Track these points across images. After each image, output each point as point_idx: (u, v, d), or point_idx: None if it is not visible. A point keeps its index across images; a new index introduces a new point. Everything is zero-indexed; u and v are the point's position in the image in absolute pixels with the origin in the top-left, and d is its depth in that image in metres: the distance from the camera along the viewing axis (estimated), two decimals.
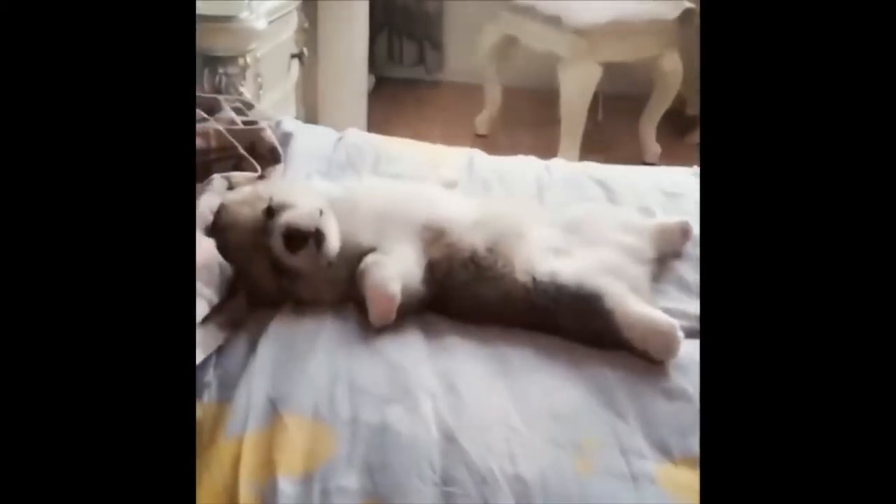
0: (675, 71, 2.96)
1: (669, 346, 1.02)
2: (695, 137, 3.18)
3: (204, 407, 0.93)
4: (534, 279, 1.09)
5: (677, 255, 1.24)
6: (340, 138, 1.54)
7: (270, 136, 1.35)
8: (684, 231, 1.26)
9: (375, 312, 1.05)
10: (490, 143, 3.09)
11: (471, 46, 3.26)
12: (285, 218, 1.07)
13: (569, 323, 1.06)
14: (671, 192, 1.42)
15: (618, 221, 1.25)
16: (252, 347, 1.02)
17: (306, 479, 0.85)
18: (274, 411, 0.92)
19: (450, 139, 1.67)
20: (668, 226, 1.27)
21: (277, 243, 1.06)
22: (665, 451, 0.91)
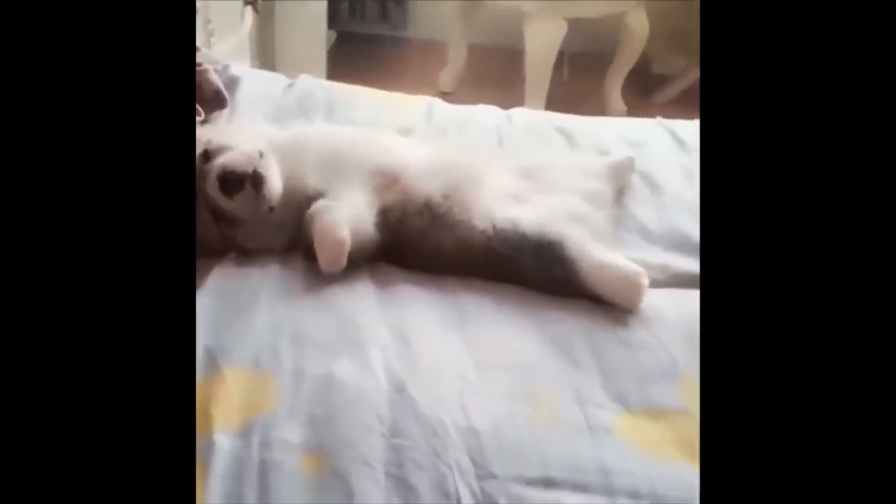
0: (641, 28, 2.91)
1: (635, 294, 0.99)
2: (660, 97, 3.14)
3: None
4: (494, 226, 1.04)
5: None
6: (292, 84, 1.47)
7: (215, 78, 1.28)
8: (631, 166, 1.25)
9: (324, 258, 0.99)
10: (454, 100, 2.99)
11: (435, 2, 3.17)
12: (221, 161, 1.01)
13: (531, 271, 1.02)
14: (633, 140, 1.37)
15: (575, 166, 1.21)
16: None
17: (244, 432, 0.80)
18: (212, 364, 0.87)
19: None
20: (618, 163, 1.25)
21: (213, 188, 1.00)
22: (623, 401, 0.87)
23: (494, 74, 3.29)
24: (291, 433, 0.80)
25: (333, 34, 3.22)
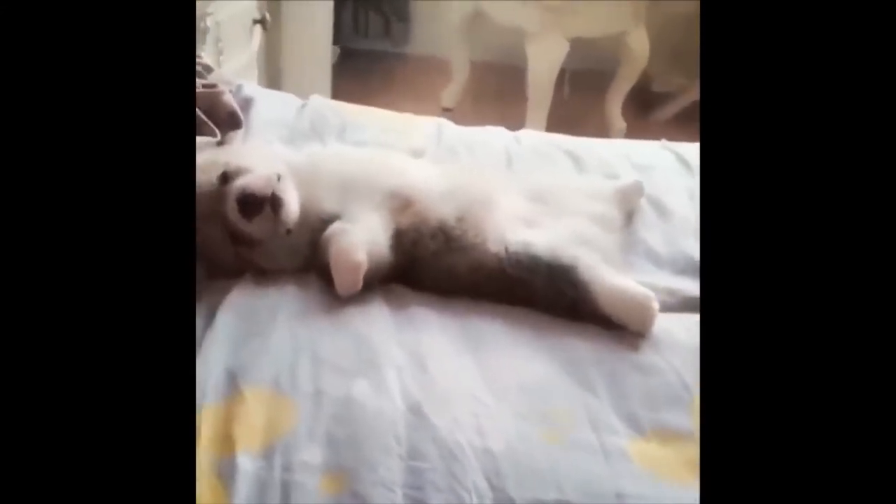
0: (641, 47, 2.95)
1: (646, 318, 1.01)
2: (660, 115, 3.17)
3: None
4: (506, 249, 1.06)
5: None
6: (304, 105, 1.49)
7: (230, 100, 1.29)
8: (640, 190, 1.28)
9: (341, 281, 1.01)
10: (456, 116, 3.02)
11: (438, 19, 3.20)
12: (240, 183, 1.02)
13: (543, 294, 1.04)
14: (641, 164, 1.40)
15: (584, 189, 1.23)
16: (210, 319, 0.97)
17: (267, 454, 0.81)
18: (233, 384, 0.89)
19: (416, 112, 1.62)
20: (627, 187, 1.27)
21: (232, 210, 1.02)
22: (636, 426, 0.89)
23: (496, 91, 3.32)
24: (312, 454, 0.81)
25: (337, 50, 3.25)
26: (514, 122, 2.64)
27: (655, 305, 1.01)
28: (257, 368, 0.90)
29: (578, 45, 2.83)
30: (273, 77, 2.43)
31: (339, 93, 2.87)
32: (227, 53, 1.91)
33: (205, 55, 1.72)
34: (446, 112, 3.14)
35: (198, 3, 1.68)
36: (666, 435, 0.88)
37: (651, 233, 1.22)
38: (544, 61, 2.82)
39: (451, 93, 3.22)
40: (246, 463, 0.80)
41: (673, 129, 2.71)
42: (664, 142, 1.52)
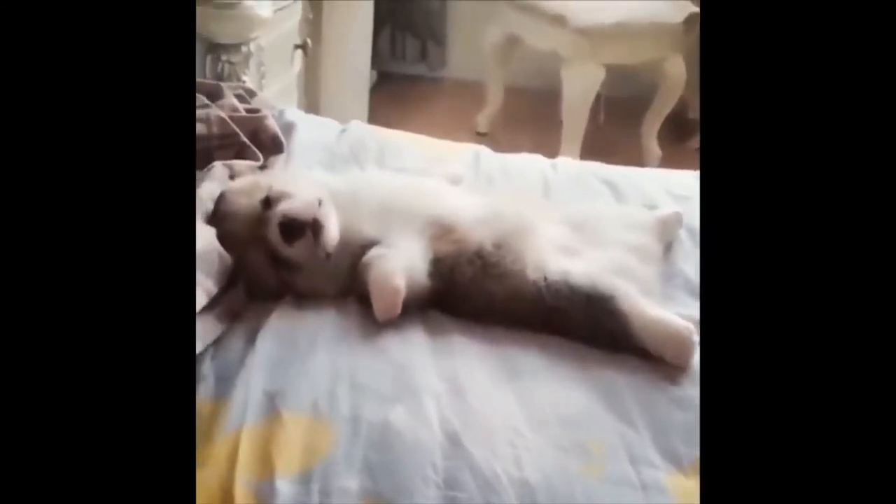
0: (678, 75, 2.94)
1: (685, 351, 1.00)
2: (697, 142, 3.16)
3: (200, 402, 0.90)
4: (545, 278, 1.06)
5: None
6: (344, 130, 1.51)
7: (273, 124, 1.32)
8: (679, 221, 1.28)
9: (379, 306, 1.02)
10: (490, 141, 3.04)
11: (474, 44, 3.23)
12: (282, 208, 1.04)
13: (582, 324, 1.03)
14: (678, 194, 1.39)
15: (623, 219, 1.23)
16: (251, 341, 0.99)
17: (304, 478, 0.82)
18: (272, 407, 0.89)
19: (450, 136, 1.64)
20: (666, 218, 1.27)
21: (274, 234, 1.03)
22: (675, 461, 0.88)
23: (531, 117, 3.33)
24: (349, 480, 0.82)
25: (375, 74, 3.29)
26: (549, 147, 2.64)
27: (695, 338, 1.00)
28: (296, 392, 0.91)
29: (614, 72, 2.84)
30: (312, 99, 2.47)
31: (375, 115, 2.91)
32: (268, 77, 1.94)
33: (248, 79, 1.76)
34: (481, 136, 3.15)
35: (242, 30, 1.72)
36: None
37: (690, 264, 1.21)
38: (580, 87, 2.82)
39: (485, 117, 3.24)
40: (284, 487, 0.80)
41: None
42: None
